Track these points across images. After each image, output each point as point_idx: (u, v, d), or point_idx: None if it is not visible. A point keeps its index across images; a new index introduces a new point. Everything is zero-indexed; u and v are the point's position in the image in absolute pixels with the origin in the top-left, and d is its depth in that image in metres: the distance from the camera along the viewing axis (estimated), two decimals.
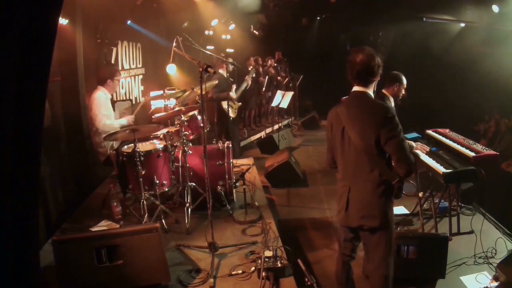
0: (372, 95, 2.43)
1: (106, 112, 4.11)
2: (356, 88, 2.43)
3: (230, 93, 6.11)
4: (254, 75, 7.31)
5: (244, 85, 6.73)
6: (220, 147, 4.20)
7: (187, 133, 4.05)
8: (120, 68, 5.91)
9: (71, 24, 4.45)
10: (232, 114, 6.22)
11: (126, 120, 4.33)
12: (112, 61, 5.62)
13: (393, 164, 2.32)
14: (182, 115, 3.98)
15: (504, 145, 7.31)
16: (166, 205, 4.03)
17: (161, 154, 3.82)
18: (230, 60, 5.72)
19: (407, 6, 8.92)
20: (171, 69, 4.71)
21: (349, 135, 2.38)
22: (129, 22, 5.87)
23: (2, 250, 1.76)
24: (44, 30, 1.78)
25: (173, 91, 4.63)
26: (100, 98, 4.10)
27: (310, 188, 5.55)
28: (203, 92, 3.19)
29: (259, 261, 2.96)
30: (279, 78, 9.61)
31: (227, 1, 8.22)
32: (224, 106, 6.03)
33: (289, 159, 5.48)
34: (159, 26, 7.08)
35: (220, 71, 5.94)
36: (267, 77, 8.70)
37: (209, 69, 3.05)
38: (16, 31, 1.65)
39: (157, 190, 3.76)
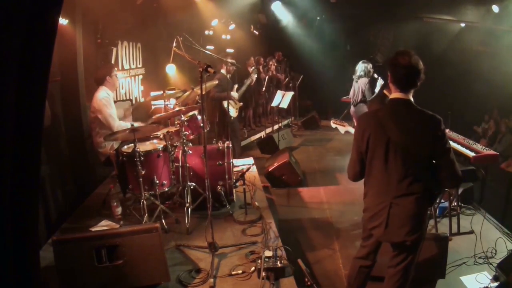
0: (413, 101, 2.30)
1: (113, 111, 4.12)
2: (397, 95, 2.29)
3: (232, 93, 6.11)
4: (256, 75, 7.31)
5: (248, 82, 6.72)
6: (220, 147, 4.20)
7: (187, 133, 4.05)
8: (120, 68, 5.91)
9: (71, 24, 4.45)
10: (233, 113, 6.22)
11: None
12: (112, 61, 5.61)
13: (441, 176, 2.24)
14: (182, 115, 3.98)
15: (504, 145, 7.33)
16: (166, 205, 4.03)
17: (161, 154, 3.82)
18: (230, 60, 5.71)
19: (407, 6, 8.93)
20: (171, 69, 4.71)
21: (396, 147, 2.23)
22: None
23: (2, 250, 1.76)
24: (44, 30, 1.78)
25: (173, 91, 4.63)
26: (106, 98, 4.08)
27: (310, 188, 5.55)
28: (203, 92, 3.19)
29: (259, 261, 2.96)
30: (279, 76, 9.62)
31: (227, 1, 8.22)
32: (225, 106, 6.03)
33: (289, 159, 5.48)
34: (159, 26, 7.09)
35: (222, 70, 5.95)
36: (267, 77, 8.71)
37: (209, 69, 3.05)
38: (16, 31, 1.65)
39: (157, 190, 3.76)
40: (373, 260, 2.58)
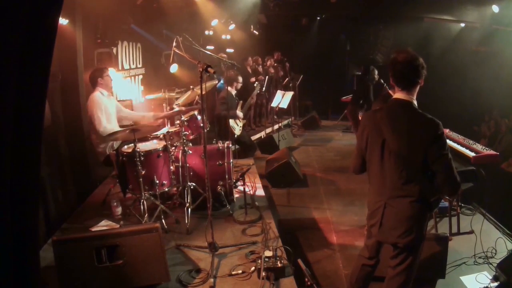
0: (416, 103, 2.27)
1: (103, 112, 4.09)
2: (399, 96, 2.27)
3: (237, 112, 6.16)
4: (259, 91, 7.42)
5: (248, 102, 6.79)
6: (220, 147, 4.20)
7: (187, 133, 4.05)
8: (120, 68, 5.91)
9: (71, 24, 4.45)
10: (237, 132, 6.24)
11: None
12: (112, 61, 5.61)
13: (437, 181, 2.20)
14: (182, 115, 3.98)
15: (504, 145, 7.33)
16: (166, 205, 4.03)
17: (161, 154, 3.82)
18: (227, 59, 5.72)
19: (407, 6, 8.93)
20: (174, 68, 4.71)
21: (390, 148, 2.24)
22: (132, 25, 5.91)
23: (2, 250, 1.76)
24: (44, 30, 1.78)
25: (173, 92, 4.64)
26: (97, 98, 4.09)
27: (310, 188, 5.54)
28: (203, 92, 3.18)
29: (259, 261, 2.96)
30: (280, 75, 9.63)
31: (227, 1, 8.23)
32: (230, 124, 6.05)
33: (289, 159, 5.48)
34: (159, 26, 7.09)
35: (229, 88, 5.93)
36: (267, 77, 8.71)
37: (209, 69, 3.04)
38: (16, 31, 1.65)
39: (157, 190, 3.76)
40: (376, 260, 2.58)
